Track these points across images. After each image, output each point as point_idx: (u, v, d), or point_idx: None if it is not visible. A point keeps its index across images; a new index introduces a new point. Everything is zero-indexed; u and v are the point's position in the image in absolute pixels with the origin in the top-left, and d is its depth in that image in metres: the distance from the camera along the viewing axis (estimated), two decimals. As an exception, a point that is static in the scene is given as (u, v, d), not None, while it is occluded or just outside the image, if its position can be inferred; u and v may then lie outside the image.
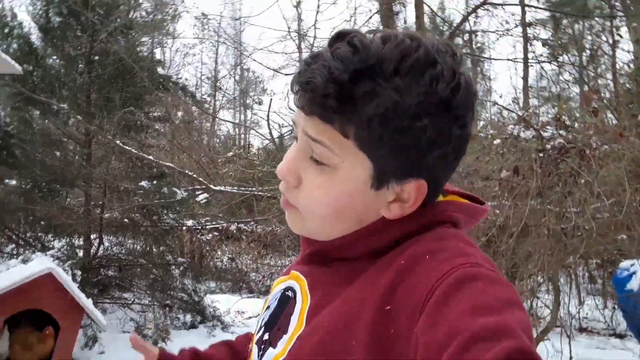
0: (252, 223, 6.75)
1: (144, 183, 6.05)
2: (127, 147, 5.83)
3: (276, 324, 0.71)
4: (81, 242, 6.00)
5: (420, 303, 0.54)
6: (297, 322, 0.67)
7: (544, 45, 8.22)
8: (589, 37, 10.63)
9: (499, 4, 7.89)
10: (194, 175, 6.21)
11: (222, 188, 6.25)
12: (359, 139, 0.62)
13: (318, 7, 11.37)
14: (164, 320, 5.74)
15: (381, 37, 0.63)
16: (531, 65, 9.54)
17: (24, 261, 4.61)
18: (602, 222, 4.63)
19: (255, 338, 0.76)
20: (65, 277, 4.05)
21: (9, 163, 5.99)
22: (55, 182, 6.07)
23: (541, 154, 4.45)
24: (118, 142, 5.77)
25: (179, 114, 9.38)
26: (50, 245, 5.98)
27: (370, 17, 9.28)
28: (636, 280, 4.54)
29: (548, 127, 4.50)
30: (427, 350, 0.50)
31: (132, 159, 6.27)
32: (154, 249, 6.32)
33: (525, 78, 9.83)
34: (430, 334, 0.50)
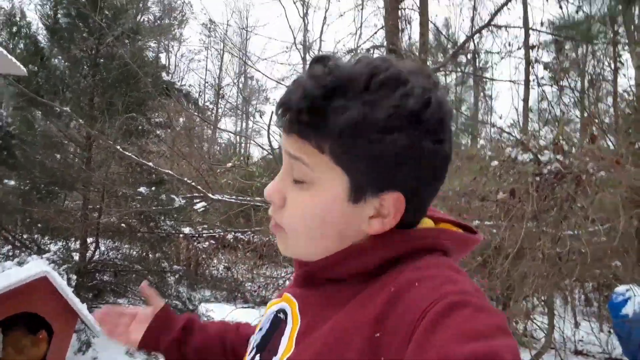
0: (249, 233, 6.74)
1: (142, 189, 6.05)
2: (127, 153, 5.84)
3: (267, 345, 0.72)
4: (77, 246, 5.99)
5: (409, 330, 0.54)
6: (287, 344, 0.68)
7: (545, 68, 8.29)
8: (591, 62, 10.72)
9: (502, 26, 7.97)
10: (193, 184, 6.21)
11: (220, 197, 6.26)
12: (334, 153, 0.64)
13: (325, 19, 11.48)
14: (157, 327, 5.72)
15: (355, 60, 0.67)
16: (532, 88, 9.61)
17: (20, 263, 4.61)
18: (597, 248, 4.65)
19: (247, 359, 0.77)
20: (60, 281, 4.05)
21: (8, 163, 5.99)
22: (54, 184, 6.07)
23: (538, 178, 4.49)
24: (118, 147, 5.78)
25: (181, 120, 9.41)
26: (47, 248, 5.97)
27: (375, 32, 9.38)
28: (631, 306, 4.55)
29: (546, 151, 4.54)
30: None
31: (131, 165, 6.28)
32: (150, 255, 6.31)
33: (525, 100, 9.88)
34: None
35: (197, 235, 6.78)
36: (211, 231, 7.07)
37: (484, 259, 5.10)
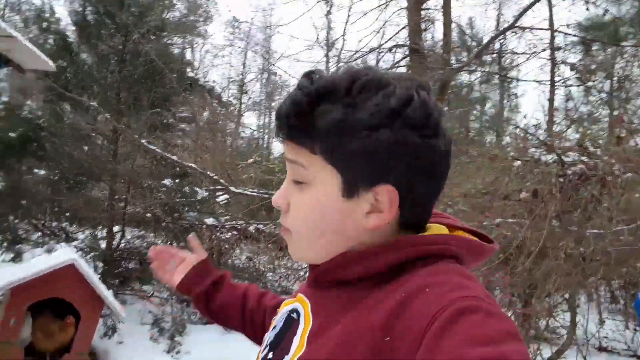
0: (271, 225, 6.83)
1: (166, 181, 6.18)
2: (151, 147, 5.98)
3: (280, 344, 0.74)
4: (104, 234, 6.15)
5: (419, 335, 0.55)
6: (298, 344, 0.70)
7: (572, 69, 8.17)
8: (620, 63, 10.53)
9: (527, 28, 7.87)
10: (215, 177, 6.31)
11: (242, 191, 6.36)
12: (324, 152, 0.68)
13: (348, 17, 11.49)
14: (181, 314, 5.85)
15: (339, 70, 0.71)
16: (557, 88, 9.47)
17: (49, 251, 4.76)
18: (621, 250, 4.59)
19: (261, 356, 0.79)
20: (86, 269, 4.18)
21: (38, 155, 6.18)
22: (82, 175, 6.24)
23: (561, 179, 4.44)
24: (143, 141, 5.91)
25: (205, 114, 9.52)
26: (75, 236, 6.14)
27: (397, 32, 9.35)
28: (657, 305, 4.47)
29: (570, 152, 4.49)
30: None
31: (156, 157, 6.42)
32: (174, 245, 6.44)
33: (551, 100, 9.74)
34: None
35: (219, 226, 6.88)
36: (233, 222, 7.16)
37: (506, 256, 5.08)
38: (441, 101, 8.24)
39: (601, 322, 6.78)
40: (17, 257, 5.62)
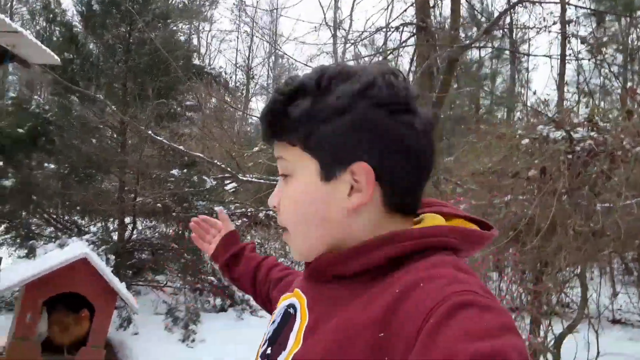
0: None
1: (175, 171, 6.22)
2: (158, 137, 5.99)
3: (278, 339, 0.75)
4: (116, 227, 6.22)
5: (414, 331, 0.55)
6: (294, 340, 0.70)
7: (583, 42, 7.99)
8: (633, 34, 10.27)
9: (537, 1, 7.69)
10: (223, 166, 6.33)
11: (250, 178, 6.38)
12: (300, 142, 0.71)
13: (355, -4, 11.35)
14: (195, 303, 5.93)
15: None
16: (569, 62, 9.28)
17: (61, 245, 4.81)
18: (631, 225, 4.54)
19: (260, 351, 0.79)
20: (99, 262, 4.23)
21: (47, 149, 6.23)
22: (91, 168, 6.29)
23: (570, 156, 4.39)
24: (150, 132, 5.93)
25: (213, 100, 9.50)
26: (86, 230, 6.21)
27: (405, 10, 9.21)
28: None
29: (579, 128, 4.42)
30: None
31: (164, 147, 6.45)
32: (185, 234, 6.50)
33: (561, 75, 9.55)
34: None
35: (229, 213, 6.92)
36: (243, 210, 7.20)
37: (516, 234, 5.06)
38: (449, 80, 8.12)
39: (615, 294, 6.77)
40: (31, 253, 5.72)
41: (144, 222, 6.64)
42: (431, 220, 0.74)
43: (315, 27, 11.34)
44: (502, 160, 5.34)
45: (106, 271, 4.22)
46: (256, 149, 7.57)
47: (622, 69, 9.76)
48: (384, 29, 9.25)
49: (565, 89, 9.61)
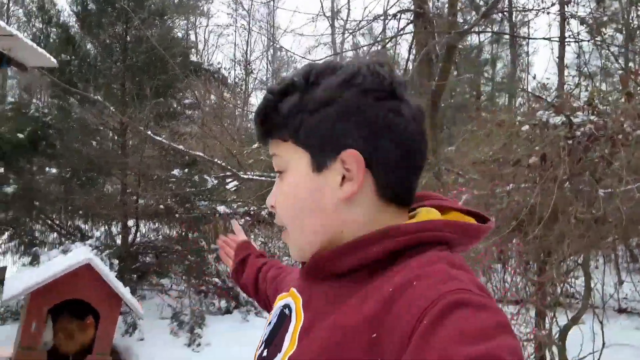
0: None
1: (175, 171, 6.21)
2: (157, 137, 5.98)
3: (274, 340, 0.74)
4: (119, 230, 6.22)
5: (408, 331, 0.54)
6: (290, 341, 0.70)
7: (582, 23, 7.89)
8: (635, 13, 10.13)
9: (534, -18, 7.60)
10: (223, 164, 6.32)
11: (251, 176, 6.37)
12: (292, 136, 0.72)
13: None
14: (200, 306, 5.94)
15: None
16: (568, 44, 9.16)
17: (64, 251, 4.83)
18: (634, 210, 4.50)
19: (257, 353, 0.79)
20: (102, 267, 4.23)
21: (47, 153, 6.23)
22: (93, 171, 6.29)
23: (570, 141, 4.34)
24: (149, 132, 5.92)
25: (212, 97, 9.46)
26: (90, 234, 6.22)
27: (402, -4, 9.12)
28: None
29: (579, 112, 4.38)
30: None
31: (164, 147, 6.44)
32: (189, 236, 6.51)
33: (561, 57, 9.45)
34: None
35: (232, 213, 6.91)
36: (246, 208, 7.19)
37: (518, 223, 5.04)
38: (448, 67, 8.06)
39: (620, 282, 6.74)
40: (34, 260, 5.74)
41: (147, 224, 6.64)
42: (426, 214, 0.74)
43: (313, 17, 11.25)
44: (502, 148, 5.30)
45: (110, 276, 4.23)
46: (256, 145, 7.53)
47: (623, 49, 9.64)
48: (382, 17, 9.17)
49: (566, 72, 9.50)
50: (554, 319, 4.52)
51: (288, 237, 0.78)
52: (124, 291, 4.28)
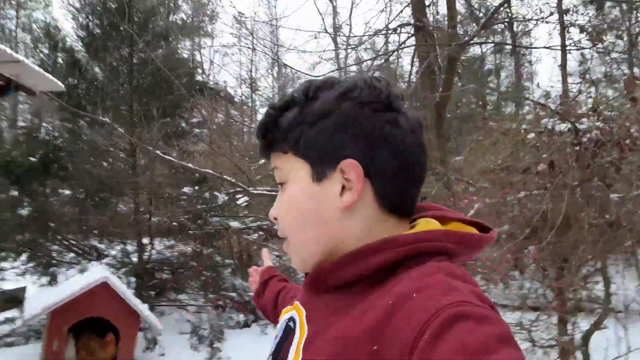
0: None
1: (186, 189, 6.27)
2: (166, 157, 6.05)
3: (279, 354, 0.74)
4: (134, 248, 6.26)
5: (408, 345, 0.54)
6: (294, 354, 0.69)
7: (582, 31, 7.94)
8: (635, 19, 10.17)
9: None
10: (233, 180, 6.37)
11: (261, 190, 6.40)
12: (292, 148, 0.74)
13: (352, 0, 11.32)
14: (218, 320, 5.95)
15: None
16: (569, 52, 9.20)
17: (82, 271, 4.86)
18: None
19: None
20: (119, 285, 4.28)
21: (60, 176, 6.30)
22: (105, 191, 6.35)
23: (577, 148, 4.36)
24: (158, 151, 5.99)
25: (220, 115, 9.54)
26: (106, 253, 6.27)
27: (401, 11, 9.23)
28: None
29: (584, 119, 4.41)
30: None
31: (174, 166, 6.50)
32: (203, 251, 6.54)
33: (563, 66, 9.48)
34: None
35: (245, 227, 6.95)
36: (259, 223, 7.21)
37: (531, 230, 5.03)
38: (451, 79, 8.10)
39: (643, 284, 6.65)
40: (53, 280, 5.78)
41: (162, 241, 6.68)
42: (425, 224, 0.74)
43: (315, 35, 11.39)
44: (509, 156, 5.32)
45: (127, 294, 4.27)
46: (263, 161, 7.56)
47: (626, 55, 9.67)
48: (382, 32, 9.25)
49: (570, 80, 9.53)
50: (576, 325, 4.49)
51: (289, 248, 0.79)
52: (142, 308, 4.31)
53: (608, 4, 9.65)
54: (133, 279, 5.38)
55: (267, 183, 7.26)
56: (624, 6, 9.57)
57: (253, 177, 7.41)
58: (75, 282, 4.39)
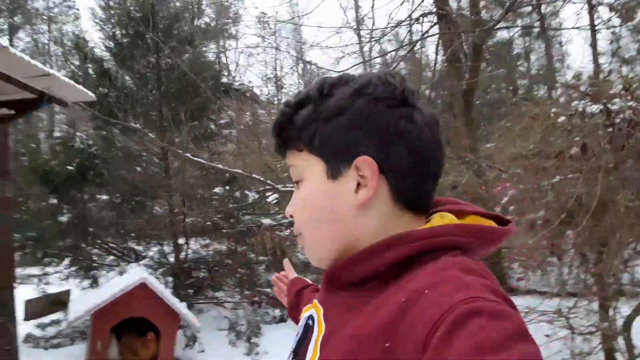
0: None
1: (217, 189, 6.38)
2: (196, 159, 6.18)
3: (299, 351, 0.74)
4: (171, 249, 6.43)
5: (421, 341, 0.54)
6: (312, 352, 0.70)
7: (610, 10, 7.70)
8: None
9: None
10: (261, 179, 6.45)
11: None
12: (307, 145, 0.74)
13: (374, -8, 11.24)
14: (254, 316, 6.06)
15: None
16: (599, 32, 8.91)
17: (121, 273, 5.02)
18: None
19: None
20: (157, 285, 4.39)
21: (96, 182, 6.51)
22: (139, 195, 6.53)
23: (610, 129, 4.24)
24: (188, 154, 6.11)
25: (247, 114, 9.62)
26: (144, 254, 6.45)
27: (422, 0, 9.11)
28: None
29: (616, 99, 4.28)
30: None
31: (204, 167, 6.63)
32: (237, 249, 6.65)
33: (593, 46, 9.18)
34: None
35: (277, 224, 7.02)
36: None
37: (567, 214, 4.94)
38: (477, 66, 7.97)
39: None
40: (95, 283, 5.99)
41: (197, 241, 6.83)
42: (439, 219, 0.73)
43: (337, 30, 11.34)
44: (540, 141, 5.22)
45: (165, 293, 4.38)
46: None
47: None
48: (405, 22, 9.14)
49: (602, 60, 9.22)
50: (617, 310, 4.39)
51: (305, 244, 0.79)
52: (180, 306, 4.42)
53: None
54: (170, 279, 5.52)
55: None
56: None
57: (281, 175, 7.47)
58: (115, 284, 4.53)
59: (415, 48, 10.25)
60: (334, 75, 0.78)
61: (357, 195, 0.70)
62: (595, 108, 4.33)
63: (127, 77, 7.55)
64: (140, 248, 6.67)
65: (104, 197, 6.64)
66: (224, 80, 8.74)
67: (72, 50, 8.53)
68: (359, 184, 0.70)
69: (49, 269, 6.14)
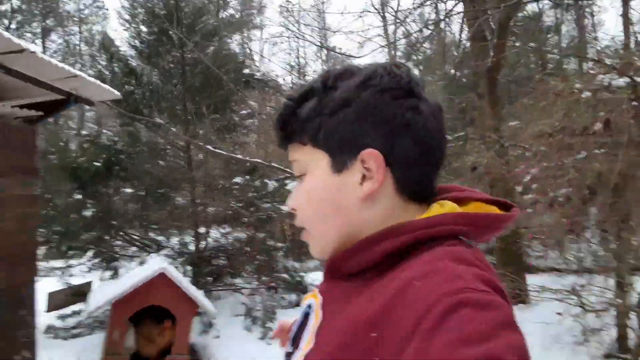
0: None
1: (238, 179, 6.48)
2: (217, 151, 6.28)
3: (297, 338, 0.76)
4: (192, 239, 6.59)
5: (408, 332, 0.54)
6: (308, 339, 0.71)
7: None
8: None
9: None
10: (281, 167, 6.51)
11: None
12: (311, 139, 0.73)
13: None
14: (271, 302, 6.17)
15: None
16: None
17: (141, 263, 5.18)
18: None
19: (285, 351, 0.81)
20: (176, 274, 4.51)
21: (121, 176, 6.72)
22: (163, 187, 6.70)
23: (635, 102, 4.08)
24: (209, 147, 6.22)
25: (269, 104, 9.70)
26: (165, 245, 6.64)
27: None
28: None
29: (643, 72, 4.12)
30: None
31: (226, 158, 6.75)
32: (256, 236, 6.76)
33: (625, 15, 8.72)
34: None
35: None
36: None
37: (589, 191, 4.82)
38: (503, 43, 7.76)
39: None
40: (115, 274, 6.21)
41: (218, 230, 6.97)
42: (439, 208, 0.72)
43: (360, 14, 11.28)
44: (564, 118, 5.07)
45: (183, 282, 4.50)
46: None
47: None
48: (430, 1, 8.98)
49: (632, 30, 8.76)
50: (632, 286, 4.30)
51: (308, 237, 0.79)
52: (197, 294, 4.53)
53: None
54: (189, 267, 5.65)
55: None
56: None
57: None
58: (135, 274, 4.68)
59: (440, 27, 10.07)
60: (337, 67, 0.77)
61: (362, 188, 0.70)
62: (621, 82, 4.18)
63: (152, 74, 7.71)
64: (162, 238, 6.85)
65: (129, 190, 6.83)
66: (247, 71, 8.80)
67: (100, 50, 8.79)
68: (364, 177, 0.70)
69: (72, 262, 6.37)
